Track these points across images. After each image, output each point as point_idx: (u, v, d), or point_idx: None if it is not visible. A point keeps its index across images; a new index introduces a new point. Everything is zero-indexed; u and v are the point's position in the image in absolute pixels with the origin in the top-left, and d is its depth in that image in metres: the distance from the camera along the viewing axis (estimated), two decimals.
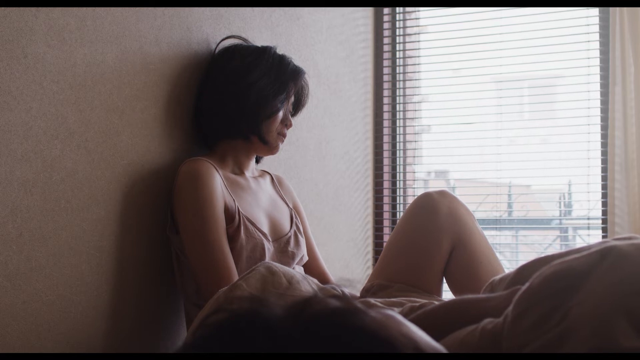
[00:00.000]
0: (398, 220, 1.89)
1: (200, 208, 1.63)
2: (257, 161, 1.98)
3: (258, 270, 1.35)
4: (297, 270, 1.48)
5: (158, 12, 1.68)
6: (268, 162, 2.05)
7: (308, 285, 1.37)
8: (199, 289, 1.64)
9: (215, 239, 1.63)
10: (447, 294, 1.83)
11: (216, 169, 1.71)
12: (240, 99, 1.78)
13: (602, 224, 2.63)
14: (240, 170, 1.85)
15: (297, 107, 1.95)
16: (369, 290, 1.72)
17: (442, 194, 1.78)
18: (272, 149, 1.86)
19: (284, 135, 1.87)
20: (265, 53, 1.84)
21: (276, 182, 1.98)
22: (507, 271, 1.53)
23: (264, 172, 1.98)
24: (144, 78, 1.65)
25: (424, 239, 1.72)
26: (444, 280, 1.79)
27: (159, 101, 1.70)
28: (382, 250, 1.85)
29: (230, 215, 1.68)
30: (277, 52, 1.88)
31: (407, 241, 1.75)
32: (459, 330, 0.94)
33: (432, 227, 1.72)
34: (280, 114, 1.82)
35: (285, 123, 1.86)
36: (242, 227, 1.69)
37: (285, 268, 1.40)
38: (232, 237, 1.67)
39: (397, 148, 3.00)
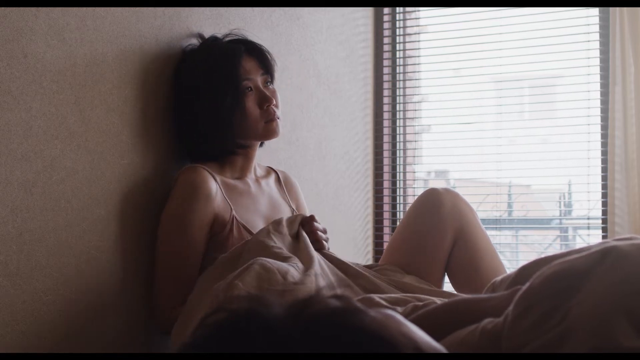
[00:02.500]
0: (404, 213, 1.90)
1: (178, 224, 1.63)
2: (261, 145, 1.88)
3: (253, 268, 1.34)
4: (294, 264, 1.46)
5: (158, 12, 1.68)
6: (268, 162, 2.05)
7: (307, 279, 1.36)
8: (151, 295, 1.65)
9: (175, 260, 1.63)
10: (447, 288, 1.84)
11: (214, 177, 1.69)
12: (200, 124, 1.70)
13: (602, 224, 2.63)
14: (240, 175, 1.80)
15: (268, 71, 1.77)
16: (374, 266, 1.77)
17: (447, 190, 1.79)
18: (269, 135, 1.76)
19: (272, 113, 1.72)
20: (202, 54, 1.72)
21: (281, 181, 1.92)
22: (507, 270, 1.52)
23: (269, 170, 1.93)
24: (144, 78, 1.65)
25: (428, 232, 1.75)
26: (446, 275, 1.80)
27: (159, 101, 1.70)
28: (383, 250, 1.86)
29: (221, 224, 1.67)
30: (210, 43, 1.74)
31: (411, 234, 1.77)
32: (460, 330, 0.94)
33: (436, 220, 1.74)
34: (249, 105, 1.70)
35: (264, 105, 1.72)
36: (233, 234, 1.67)
37: (280, 264, 1.38)
38: (222, 245, 1.66)
39: (397, 148, 3.00)
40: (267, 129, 1.74)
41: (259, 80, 1.74)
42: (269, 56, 1.78)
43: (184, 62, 1.73)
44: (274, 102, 1.74)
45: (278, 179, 1.93)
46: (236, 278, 1.33)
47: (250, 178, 1.82)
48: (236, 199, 1.71)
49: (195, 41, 1.78)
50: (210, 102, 1.69)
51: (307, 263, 1.48)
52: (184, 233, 1.62)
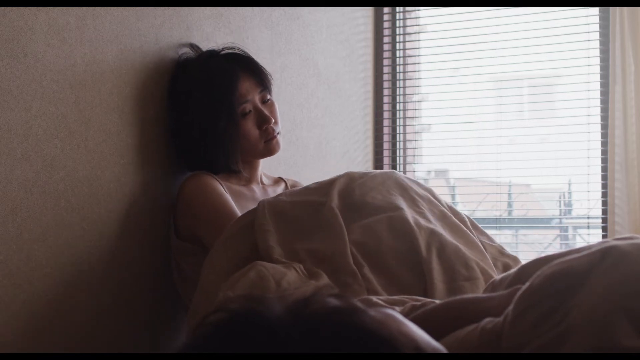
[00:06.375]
0: None
1: (216, 209, 1.63)
2: None
3: (248, 277, 1.32)
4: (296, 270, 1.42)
5: (158, 11, 1.68)
6: (267, 162, 2.05)
7: (302, 284, 1.33)
8: None
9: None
10: None
11: (219, 182, 1.69)
12: (195, 146, 1.69)
13: (602, 223, 2.63)
14: (246, 183, 1.80)
15: (265, 87, 1.76)
16: None
17: None
18: (269, 153, 1.78)
19: (272, 132, 1.74)
20: (198, 75, 1.68)
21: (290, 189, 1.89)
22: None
23: (279, 180, 1.93)
24: (144, 77, 1.64)
25: None
26: None
27: (159, 100, 1.70)
28: None
29: None
30: (206, 60, 1.71)
31: None
32: (459, 330, 0.94)
33: None
34: (248, 128, 1.71)
35: (262, 126, 1.73)
36: None
37: (277, 268, 1.34)
38: None
39: (397, 147, 3.00)
40: (267, 148, 1.76)
41: (257, 98, 1.74)
42: (264, 71, 1.77)
43: (179, 78, 1.71)
44: (273, 121, 1.74)
45: (286, 188, 1.90)
46: (229, 288, 1.31)
47: (256, 185, 1.82)
48: (242, 204, 1.71)
49: (187, 50, 1.75)
50: (210, 129, 1.68)
51: (315, 275, 1.37)
52: (222, 210, 1.61)
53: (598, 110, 2.65)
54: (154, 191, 1.68)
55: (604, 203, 2.61)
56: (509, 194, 3.05)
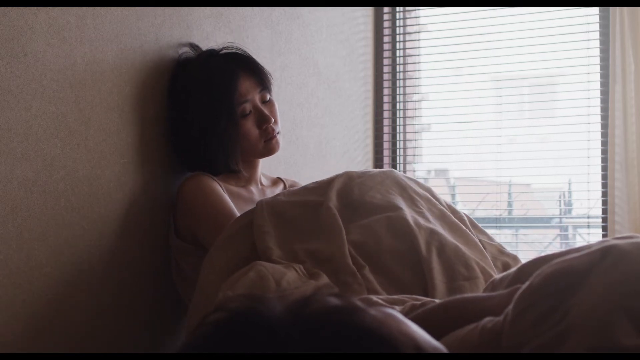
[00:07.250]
0: None
1: (215, 209, 1.63)
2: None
3: (248, 277, 1.32)
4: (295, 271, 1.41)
5: (158, 10, 1.68)
6: (267, 161, 2.05)
7: (302, 284, 1.32)
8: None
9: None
10: None
11: (218, 183, 1.69)
12: (195, 145, 1.69)
13: (602, 222, 2.63)
14: (245, 182, 1.80)
15: (265, 87, 1.76)
16: None
17: None
18: (268, 153, 1.77)
19: (271, 132, 1.74)
20: (198, 74, 1.68)
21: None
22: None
23: (277, 180, 1.93)
24: (144, 76, 1.64)
25: None
26: None
27: (159, 99, 1.70)
28: None
29: None
30: (206, 60, 1.71)
31: None
32: (459, 329, 0.94)
33: None
34: (247, 128, 1.71)
35: (262, 125, 1.73)
36: None
37: (277, 268, 1.33)
38: None
39: (397, 147, 3.01)
40: (267, 147, 1.76)
41: (257, 98, 1.74)
42: (264, 70, 1.76)
43: (179, 78, 1.70)
44: (273, 121, 1.74)
45: (285, 188, 1.90)
46: (229, 287, 1.31)
47: (254, 186, 1.82)
48: (240, 206, 1.71)
49: (187, 49, 1.75)
50: (209, 128, 1.68)
51: (315, 275, 1.37)
52: (221, 210, 1.62)
53: (598, 110, 2.65)
54: (154, 190, 1.68)
55: (604, 202, 2.61)
56: (509, 194, 3.05)
